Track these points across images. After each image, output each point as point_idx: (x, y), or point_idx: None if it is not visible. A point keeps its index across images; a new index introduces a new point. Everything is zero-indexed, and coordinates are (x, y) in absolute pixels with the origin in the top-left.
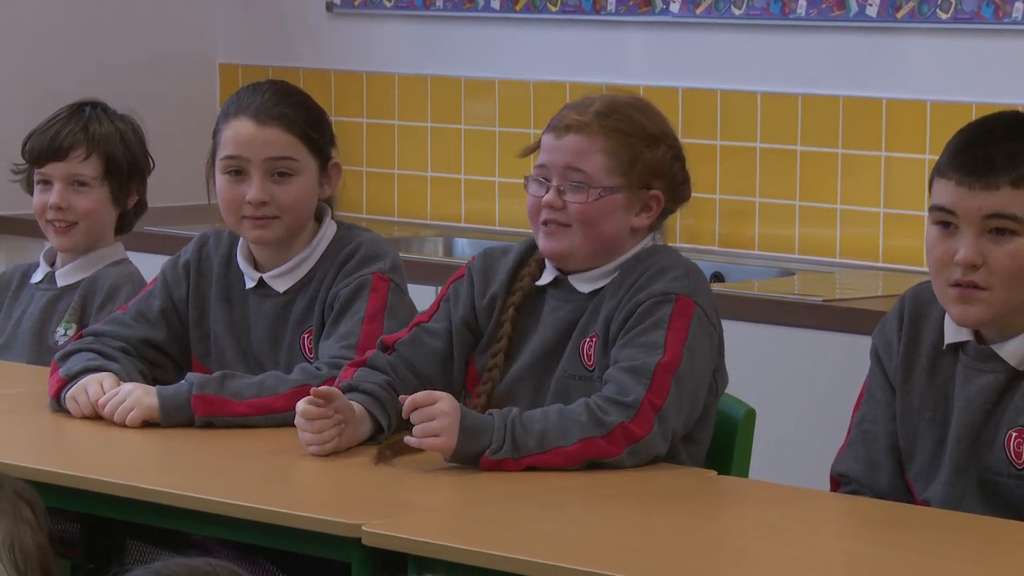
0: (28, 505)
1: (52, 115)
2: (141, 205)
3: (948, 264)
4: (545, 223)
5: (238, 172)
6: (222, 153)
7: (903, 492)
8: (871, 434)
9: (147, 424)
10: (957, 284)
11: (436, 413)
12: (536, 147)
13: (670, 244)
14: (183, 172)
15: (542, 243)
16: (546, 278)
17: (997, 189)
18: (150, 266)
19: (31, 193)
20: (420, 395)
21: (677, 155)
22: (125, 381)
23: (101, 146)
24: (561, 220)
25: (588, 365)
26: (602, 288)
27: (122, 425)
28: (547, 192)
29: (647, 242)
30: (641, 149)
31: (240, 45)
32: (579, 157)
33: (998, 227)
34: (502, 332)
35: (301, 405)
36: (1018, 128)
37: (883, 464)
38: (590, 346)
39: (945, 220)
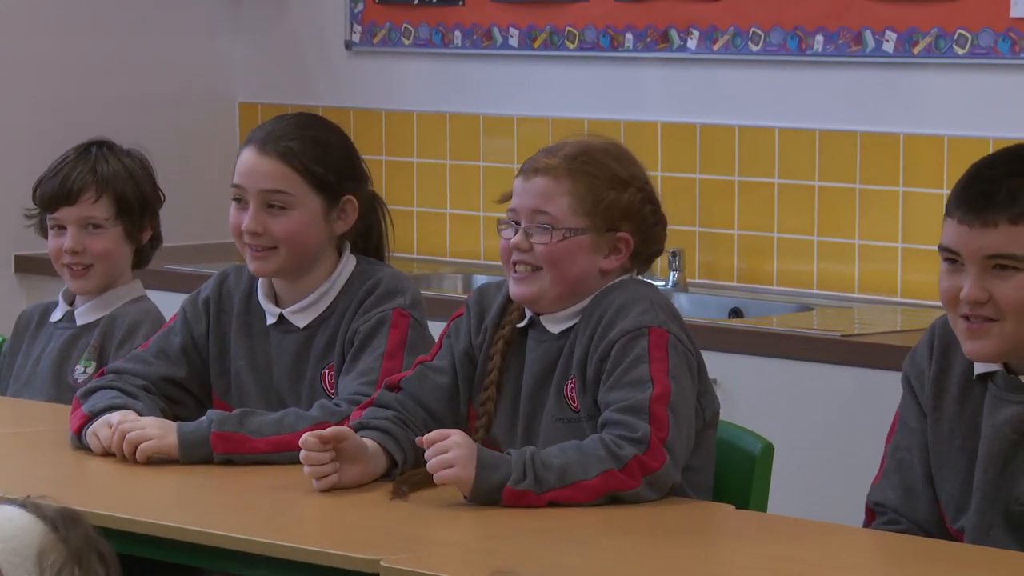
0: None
1: (59, 158)
2: (156, 239)
3: (956, 300)
4: (515, 268)
5: (239, 200)
6: (233, 180)
7: (941, 520)
8: (906, 462)
9: (166, 461)
10: (966, 318)
11: (450, 445)
12: (512, 195)
13: (672, 277)
14: (202, 210)
15: (512, 289)
16: (525, 320)
17: (996, 227)
18: (170, 304)
19: (45, 236)
20: (433, 433)
21: (648, 198)
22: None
23: (111, 186)
24: (529, 261)
25: (574, 408)
26: (572, 327)
27: (134, 461)
28: (516, 235)
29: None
30: (606, 191)
31: (260, 84)
32: (545, 200)
33: (1001, 264)
34: (491, 366)
35: (304, 437)
36: (1021, 162)
37: (920, 492)
38: (572, 388)
39: (951, 258)
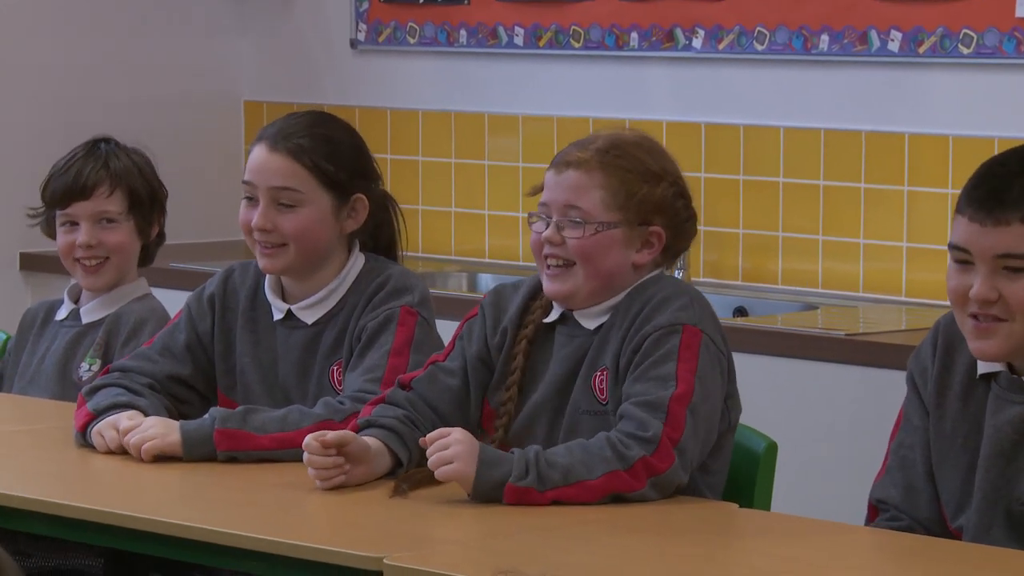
0: None
1: (67, 156)
2: (161, 236)
3: (965, 298)
4: (547, 262)
5: (251, 198)
6: (244, 177)
7: (942, 518)
8: (908, 460)
9: (170, 458)
10: (975, 316)
11: (450, 442)
12: (543, 187)
13: (678, 275)
14: (208, 208)
15: (546, 285)
16: (553, 315)
17: (1008, 225)
18: (175, 302)
19: (51, 236)
20: (434, 432)
21: (680, 193)
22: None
23: (123, 181)
24: (561, 255)
25: (601, 399)
26: (607, 321)
27: (139, 458)
28: (547, 228)
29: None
30: (639, 185)
31: (265, 83)
32: (577, 194)
33: (1011, 266)
34: (515, 366)
35: (307, 440)
36: None
37: (922, 490)
38: (601, 380)
39: (961, 258)
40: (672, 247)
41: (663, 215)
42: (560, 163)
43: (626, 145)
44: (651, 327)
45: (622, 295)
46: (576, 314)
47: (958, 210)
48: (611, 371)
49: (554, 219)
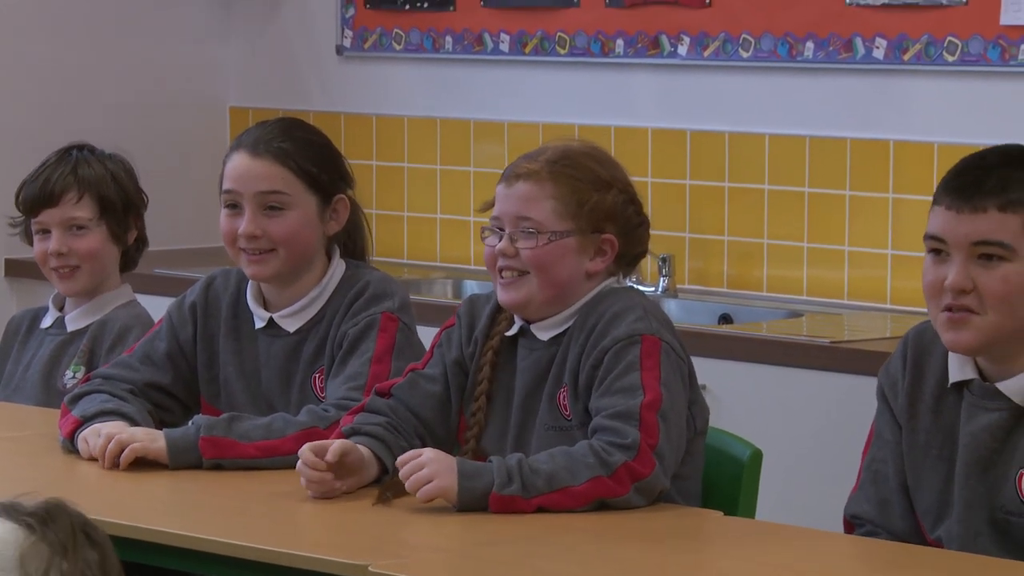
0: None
1: (40, 163)
2: (141, 240)
3: (940, 290)
4: (501, 273)
5: (234, 206)
6: (222, 187)
7: (917, 531)
8: (881, 474)
9: (154, 466)
10: (948, 309)
11: (424, 462)
12: (493, 203)
13: (662, 283)
14: (192, 214)
15: (500, 295)
16: (514, 328)
17: (984, 212)
18: (159, 308)
19: (31, 244)
20: (403, 456)
21: (631, 200)
22: (138, 423)
23: (92, 187)
24: (515, 267)
25: (566, 416)
26: (562, 334)
27: (115, 461)
28: (500, 241)
29: (605, 286)
30: (590, 194)
31: (251, 88)
32: (528, 205)
33: (986, 253)
34: (482, 376)
35: (304, 451)
36: (1012, 157)
37: (895, 503)
38: (564, 396)
39: (936, 248)
40: (625, 254)
41: (615, 222)
42: (510, 176)
43: (575, 155)
44: (609, 341)
45: (576, 307)
46: (532, 327)
47: (935, 202)
48: (570, 386)
49: (507, 231)
